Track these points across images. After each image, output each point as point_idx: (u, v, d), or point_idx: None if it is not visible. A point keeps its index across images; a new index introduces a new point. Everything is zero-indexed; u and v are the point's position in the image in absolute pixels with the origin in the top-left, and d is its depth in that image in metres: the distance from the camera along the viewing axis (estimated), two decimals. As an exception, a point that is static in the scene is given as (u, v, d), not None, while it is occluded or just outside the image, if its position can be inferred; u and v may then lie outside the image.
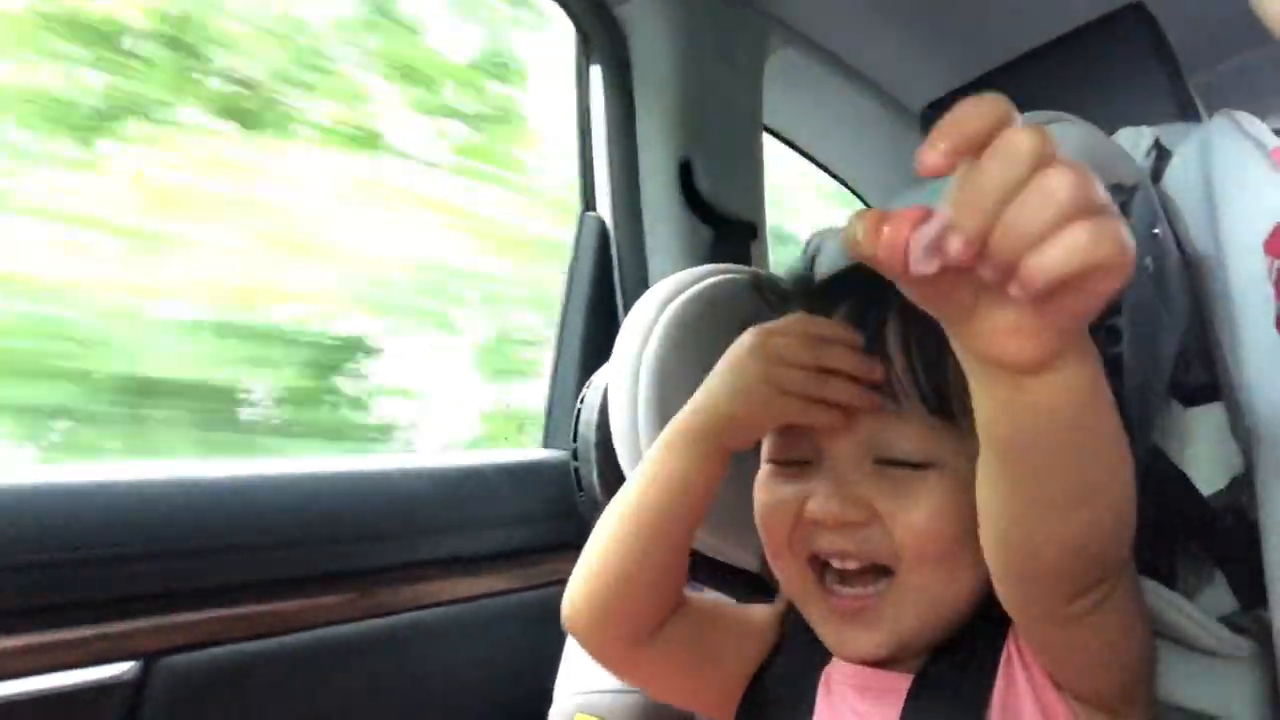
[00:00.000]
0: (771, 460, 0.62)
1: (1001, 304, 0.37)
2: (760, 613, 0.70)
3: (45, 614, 0.78)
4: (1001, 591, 0.51)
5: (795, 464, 0.60)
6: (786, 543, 0.60)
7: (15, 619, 0.76)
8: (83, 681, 0.78)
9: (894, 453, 0.57)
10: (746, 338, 0.61)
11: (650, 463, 0.63)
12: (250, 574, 0.90)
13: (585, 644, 0.67)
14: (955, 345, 0.41)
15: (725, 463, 0.61)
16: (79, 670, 0.78)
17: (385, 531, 1.02)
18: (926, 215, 0.35)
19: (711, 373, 0.62)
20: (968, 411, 0.52)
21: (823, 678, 0.63)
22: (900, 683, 0.58)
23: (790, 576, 0.61)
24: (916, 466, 0.56)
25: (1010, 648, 0.57)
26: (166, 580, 0.85)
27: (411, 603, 1.02)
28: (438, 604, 1.05)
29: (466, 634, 1.07)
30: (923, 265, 0.35)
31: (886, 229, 0.35)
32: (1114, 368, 0.50)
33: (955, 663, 0.58)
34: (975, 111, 0.35)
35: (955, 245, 0.34)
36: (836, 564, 0.58)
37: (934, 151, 0.35)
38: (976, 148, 0.35)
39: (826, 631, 0.60)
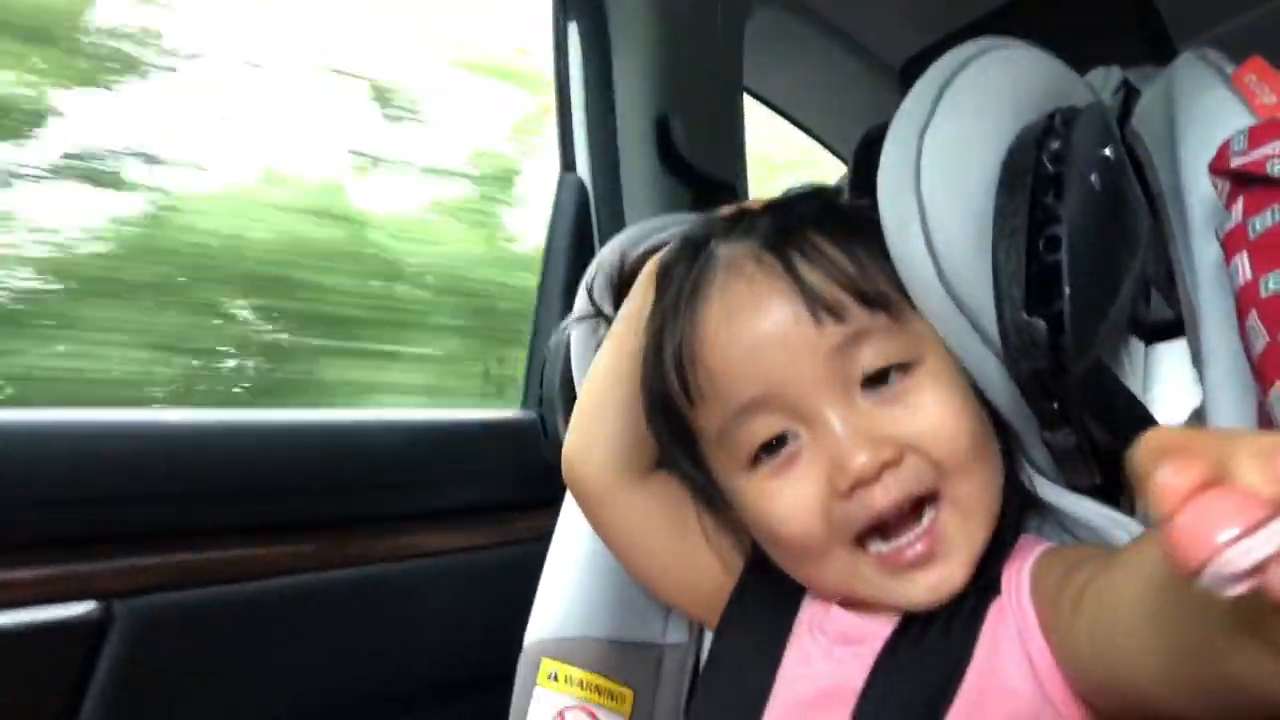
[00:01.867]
0: (752, 462, 0.57)
1: None
2: None
3: (6, 551, 0.78)
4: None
5: (779, 448, 0.56)
6: (827, 536, 0.54)
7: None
8: (45, 619, 0.79)
9: (879, 362, 0.54)
10: None
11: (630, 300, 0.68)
12: (219, 520, 0.91)
13: (577, 475, 0.70)
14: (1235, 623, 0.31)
15: None
16: (41, 607, 0.79)
17: (359, 483, 1.02)
18: (1247, 514, 0.24)
19: None
20: (894, 299, 0.55)
21: (800, 615, 0.61)
22: (881, 629, 0.56)
23: (838, 569, 0.56)
24: (904, 368, 0.54)
25: (1010, 583, 0.54)
26: (132, 522, 0.85)
27: (383, 554, 1.02)
28: (410, 556, 1.05)
29: (438, 587, 1.07)
30: (1225, 587, 0.25)
31: (1191, 523, 0.25)
32: (1053, 276, 0.50)
33: (941, 609, 0.55)
34: None
35: None
36: (892, 517, 0.53)
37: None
38: None
39: (895, 589, 0.55)
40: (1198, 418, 0.64)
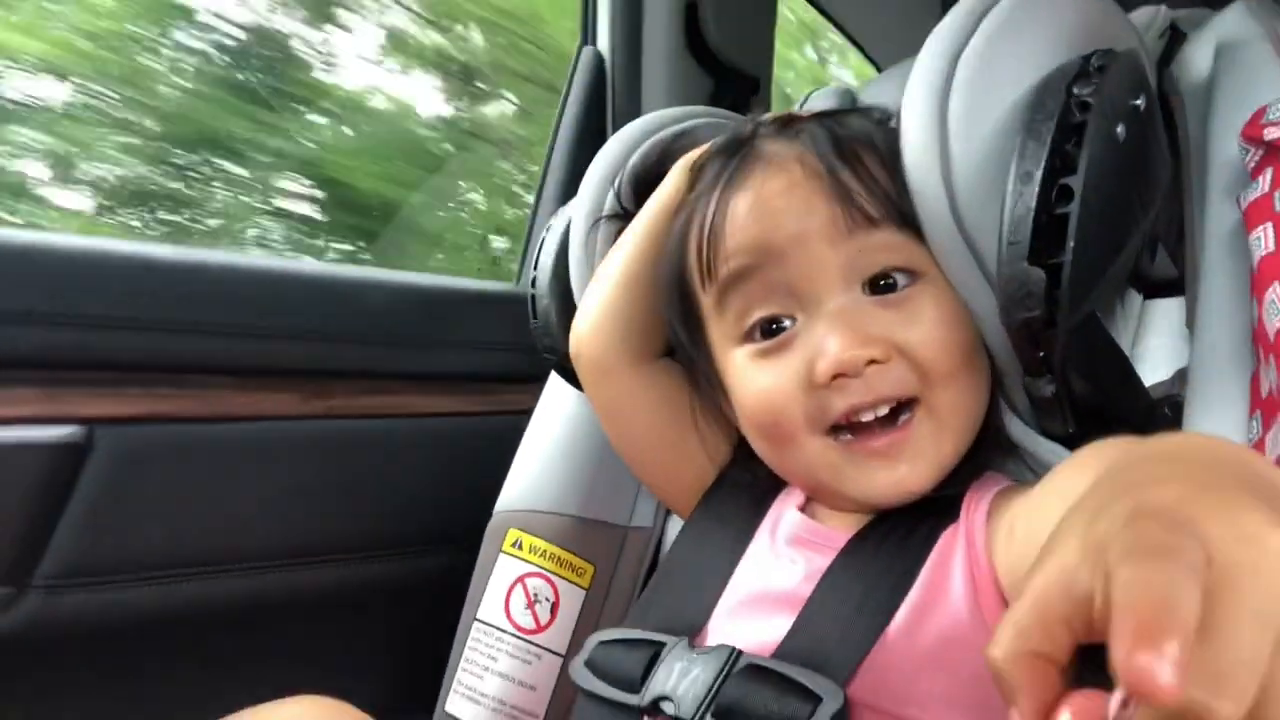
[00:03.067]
0: (745, 340, 0.59)
1: None
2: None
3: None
4: None
5: (774, 334, 0.57)
6: (804, 423, 0.56)
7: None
8: (27, 438, 0.80)
9: (887, 265, 0.55)
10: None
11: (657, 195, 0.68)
12: (206, 359, 0.91)
13: (585, 347, 0.71)
14: None
15: None
16: (24, 427, 0.80)
17: (348, 336, 1.02)
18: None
19: None
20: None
21: (767, 515, 0.63)
22: (837, 539, 0.57)
23: (810, 459, 0.57)
24: (912, 275, 0.56)
25: (969, 510, 0.55)
26: (120, 353, 0.86)
27: (366, 410, 1.04)
28: (391, 415, 1.06)
29: (415, 447, 1.09)
30: None
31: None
32: (1060, 228, 0.49)
33: (900, 521, 0.56)
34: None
35: None
36: (868, 416, 0.54)
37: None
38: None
39: (857, 478, 0.56)
40: (1182, 378, 0.64)
